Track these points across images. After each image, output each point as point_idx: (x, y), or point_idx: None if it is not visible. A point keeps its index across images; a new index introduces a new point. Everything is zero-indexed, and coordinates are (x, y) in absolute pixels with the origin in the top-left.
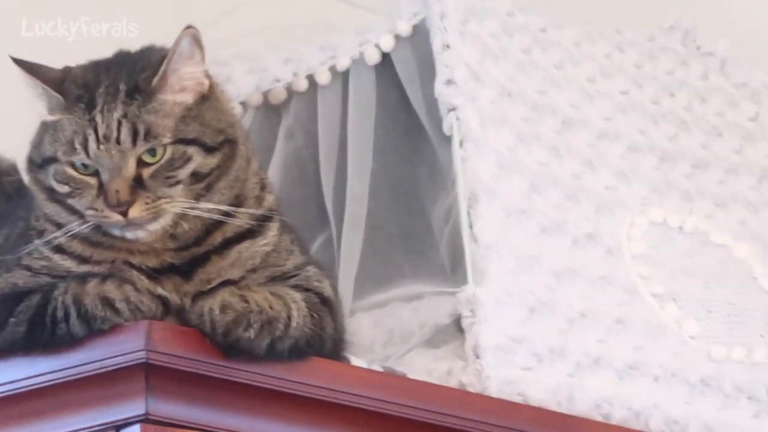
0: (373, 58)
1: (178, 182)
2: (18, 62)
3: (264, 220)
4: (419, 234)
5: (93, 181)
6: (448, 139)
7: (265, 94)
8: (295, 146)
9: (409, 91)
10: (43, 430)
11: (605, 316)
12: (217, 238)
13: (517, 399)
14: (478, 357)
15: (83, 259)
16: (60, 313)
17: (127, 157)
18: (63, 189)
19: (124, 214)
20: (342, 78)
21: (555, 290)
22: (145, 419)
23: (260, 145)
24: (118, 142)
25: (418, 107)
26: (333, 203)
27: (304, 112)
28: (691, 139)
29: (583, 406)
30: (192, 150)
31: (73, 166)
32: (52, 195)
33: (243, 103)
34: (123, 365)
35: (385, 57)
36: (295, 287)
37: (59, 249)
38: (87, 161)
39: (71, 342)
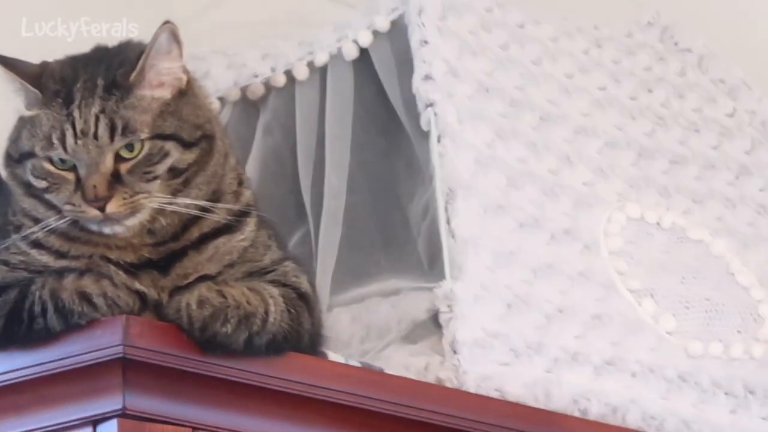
0: (351, 53)
1: (155, 177)
2: None
3: (241, 215)
4: (397, 229)
5: (70, 176)
6: (425, 135)
7: (243, 90)
8: (273, 141)
9: (387, 87)
10: (21, 425)
11: (583, 311)
12: (195, 233)
13: (495, 394)
14: (455, 352)
15: (61, 254)
16: (37, 308)
17: (105, 153)
18: (40, 184)
19: (102, 209)
20: (320, 73)
21: (532, 285)
22: (123, 414)
23: (238, 140)
24: (95, 137)
25: (396, 103)
26: (311, 198)
27: (282, 108)
28: (669, 135)
29: (561, 402)
30: (169, 145)
31: (50, 161)
32: (30, 190)
33: (221, 99)
34: (100, 360)
35: (363, 52)
36: (273, 282)
37: (37, 244)
38: (64, 156)
39: (48, 337)
